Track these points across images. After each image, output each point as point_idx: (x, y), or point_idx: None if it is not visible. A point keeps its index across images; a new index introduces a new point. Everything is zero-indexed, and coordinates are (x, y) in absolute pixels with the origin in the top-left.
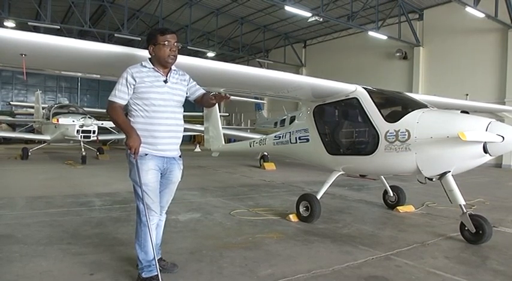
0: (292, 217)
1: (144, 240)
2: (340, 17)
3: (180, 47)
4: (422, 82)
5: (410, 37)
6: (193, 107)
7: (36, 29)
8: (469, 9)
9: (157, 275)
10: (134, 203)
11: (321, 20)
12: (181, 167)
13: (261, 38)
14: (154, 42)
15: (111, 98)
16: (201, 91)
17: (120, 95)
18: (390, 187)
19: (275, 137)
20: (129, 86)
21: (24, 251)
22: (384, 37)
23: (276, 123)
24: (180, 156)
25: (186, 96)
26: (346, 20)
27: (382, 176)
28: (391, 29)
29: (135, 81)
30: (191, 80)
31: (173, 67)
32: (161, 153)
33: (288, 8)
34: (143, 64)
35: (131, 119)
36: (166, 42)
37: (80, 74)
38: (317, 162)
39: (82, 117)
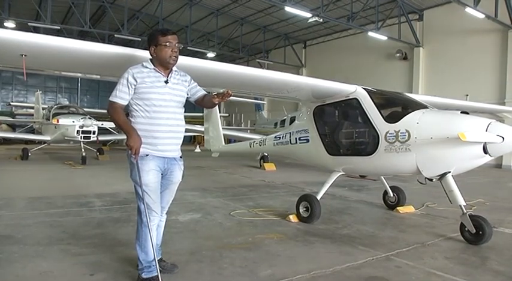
0: (292, 218)
1: (144, 241)
2: (340, 18)
3: (181, 48)
4: (422, 83)
5: (410, 38)
6: (194, 108)
7: (36, 30)
8: (469, 9)
9: (158, 275)
10: (134, 203)
11: (321, 20)
12: (182, 168)
13: (261, 38)
14: (155, 43)
15: (111, 99)
16: (202, 92)
17: (120, 95)
18: (390, 187)
19: (275, 137)
20: (130, 86)
21: (24, 252)
22: (384, 38)
23: (276, 124)
24: (180, 157)
25: (187, 97)
26: (346, 20)
27: (382, 177)
28: (391, 29)
29: (136, 81)
30: (192, 81)
31: (174, 68)
32: (162, 153)
33: (288, 9)
34: (144, 65)
35: (132, 120)
36: (167, 43)
37: (80, 75)
38: (317, 162)
39: (82, 118)
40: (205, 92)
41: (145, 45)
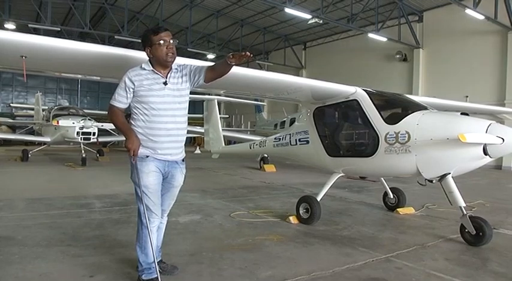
0: (292, 219)
1: (144, 242)
2: (340, 19)
3: (177, 43)
4: (422, 84)
5: (410, 39)
6: (193, 109)
7: (36, 31)
8: (468, 11)
9: (157, 277)
10: (134, 205)
11: (321, 22)
12: (184, 171)
13: (261, 40)
14: (149, 43)
15: (111, 102)
16: (206, 66)
17: (119, 99)
18: (390, 188)
19: (275, 139)
20: (127, 90)
21: (24, 253)
22: (384, 39)
23: (276, 125)
24: (183, 160)
25: (198, 84)
26: (346, 22)
27: (382, 178)
28: (391, 31)
29: (134, 84)
30: (192, 66)
31: (174, 66)
32: (162, 157)
33: (288, 10)
34: (142, 66)
35: (132, 123)
36: (161, 41)
37: (80, 76)
38: (317, 164)
39: (82, 119)
40: (209, 65)
41: (142, 47)
